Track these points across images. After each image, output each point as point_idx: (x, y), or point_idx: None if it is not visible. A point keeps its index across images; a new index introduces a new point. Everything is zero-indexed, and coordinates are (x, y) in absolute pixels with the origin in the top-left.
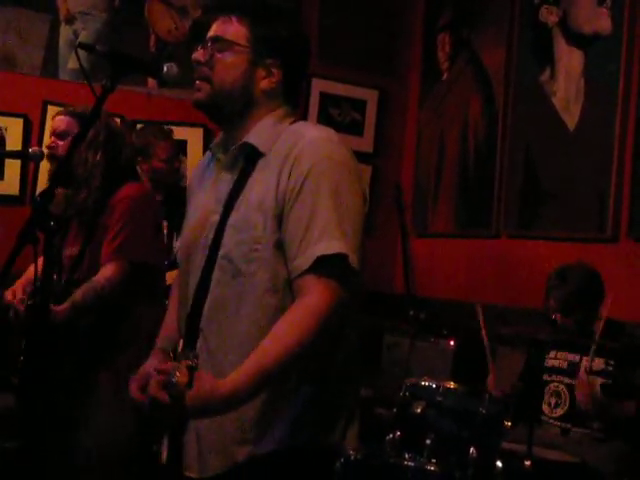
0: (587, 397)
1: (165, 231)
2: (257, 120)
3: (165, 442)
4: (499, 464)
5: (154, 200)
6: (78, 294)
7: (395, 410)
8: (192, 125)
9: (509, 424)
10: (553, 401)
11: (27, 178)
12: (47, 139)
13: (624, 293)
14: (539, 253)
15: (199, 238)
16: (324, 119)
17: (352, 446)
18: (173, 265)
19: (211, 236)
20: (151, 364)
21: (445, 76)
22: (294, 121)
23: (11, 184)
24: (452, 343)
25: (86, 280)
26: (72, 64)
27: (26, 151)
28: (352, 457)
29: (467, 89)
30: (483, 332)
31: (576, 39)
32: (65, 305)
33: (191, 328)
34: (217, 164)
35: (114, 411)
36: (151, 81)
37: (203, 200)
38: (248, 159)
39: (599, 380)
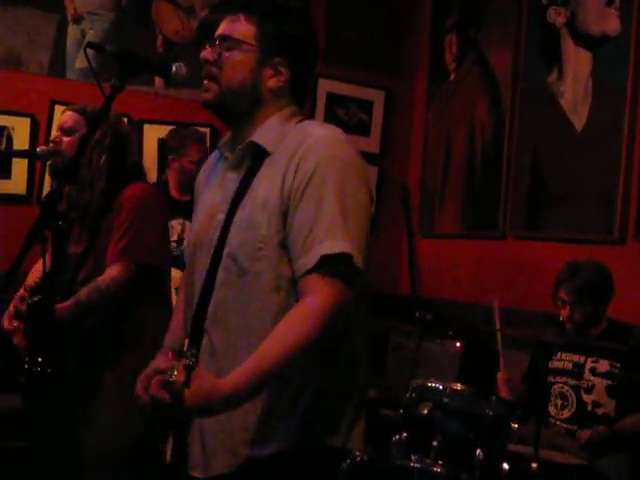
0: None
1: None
2: (264, 119)
3: (170, 442)
4: (506, 466)
5: (160, 199)
6: (83, 293)
7: (401, 411)
8: (199, 125)
9: (516, 426)
10: (559, 403)
11: (34, 178)
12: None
13: (631, 295)
14: (546, 255)
15: (205, 237)
16: (330, 119)
17: (358, 447)
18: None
19: (216, 235)
20: (157, 364)
21: (452, 77)
22: (301, 120)
23: (18, 183)
24: (458, 344)
25: (91, 280)
26: (79, 64)
27: (33, 150)
28: (358, 458)
29: (474, 90)
30: (497, 325)
31: (584, 40)
32: (69, 302)
33: (196, 327)
34: (224, 163)
35: (118, 411)
36: (158, 81)
37: (210, 199)
38: (255, 158)
39: (604, 382)
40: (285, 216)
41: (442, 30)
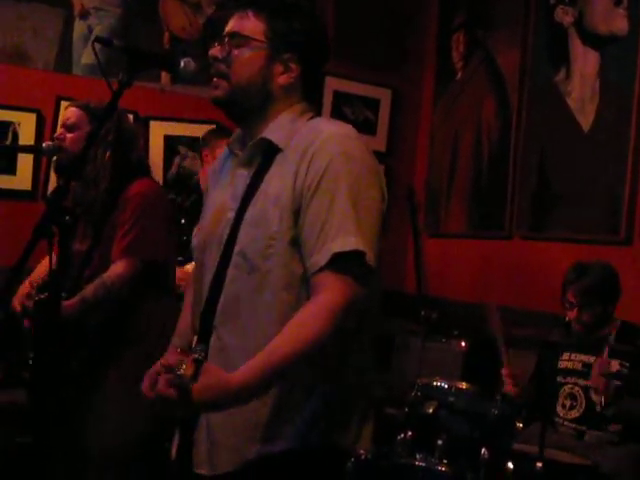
0: (603, 392)
1: None
2: (275, 116)
3: (176, 439)
4: (510, 465)
5: (165, 195)
6: (89, 289)
7: (406, 410)
8: (205, 122)
9: (520, 425)
10: (568, 403)
11: (39, 173)
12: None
13: (637, 295)
14: (552, 255)
15: (214, 235)
16: (337, 117)
17: (367, 447)
18: None
19: (226, 232)
20: (164, 361)
21: (459, 76)
22: (312, 117)
23: (23, 179)
24: (463, 344)
25: (96, 276)
26: (86, 59)
27: (39, 146)
28: (363, 457)
29: (481, 89)
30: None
31: (592, 40)
32: (75, 299)
33: (205, 324)
34: (234, 160)
35: (122, 408)
36: (165, 77)
37: (220, 196)
38: (265, 155)
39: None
40: (297, 213)
41: (449, 29)
